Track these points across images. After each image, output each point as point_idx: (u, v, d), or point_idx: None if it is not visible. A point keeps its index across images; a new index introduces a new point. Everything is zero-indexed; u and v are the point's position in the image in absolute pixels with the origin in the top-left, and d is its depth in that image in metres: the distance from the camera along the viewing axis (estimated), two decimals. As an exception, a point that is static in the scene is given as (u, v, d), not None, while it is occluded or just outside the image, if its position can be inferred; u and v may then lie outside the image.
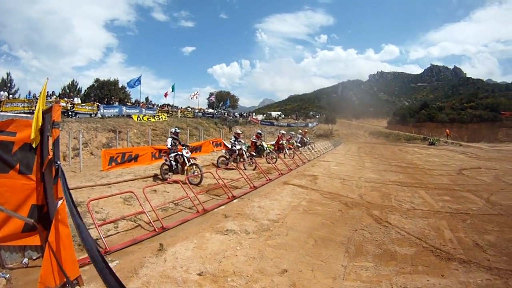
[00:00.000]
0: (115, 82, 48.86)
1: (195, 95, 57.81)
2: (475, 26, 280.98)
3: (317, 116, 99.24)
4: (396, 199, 10.18)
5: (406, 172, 16.97)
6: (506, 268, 5.32)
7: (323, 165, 18.25)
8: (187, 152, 12.89)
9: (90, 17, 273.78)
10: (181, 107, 53.85)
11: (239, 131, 18.94)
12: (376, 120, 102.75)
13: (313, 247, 5.94)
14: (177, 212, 8.18)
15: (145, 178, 12.74)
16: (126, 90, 48.08)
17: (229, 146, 17.83)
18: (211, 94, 73.73)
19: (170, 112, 45.46)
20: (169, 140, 13.45)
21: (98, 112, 31.97)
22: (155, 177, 13.14)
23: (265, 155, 18.86)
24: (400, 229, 7.14)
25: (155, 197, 9.42)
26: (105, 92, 45.61)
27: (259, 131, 20.93)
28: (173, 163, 12.85)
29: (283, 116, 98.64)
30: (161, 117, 39.26)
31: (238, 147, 17.32)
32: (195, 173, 12.33)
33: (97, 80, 48.11)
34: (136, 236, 6.26)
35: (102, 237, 5.64)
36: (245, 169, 14.74)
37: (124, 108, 36.14)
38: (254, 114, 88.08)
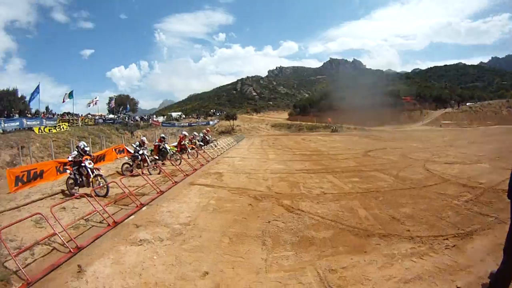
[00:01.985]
0: (14, 92, 45.44)
1: (93, 101, 55.50)
2: (375, 23, 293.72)
3: (218, 114, 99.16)
4: (305, 187, 10.46)
5: (312, 159, 17.58)
6: (427, 235, 5.76)
7: (227, 162, 18.32)
8: (89, 163, 12.12)
9: None
10: (82, 115, 51.54)
11: (145, 139, 18.40)
12: (277, 113, 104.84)
13: (229, 245, 5.97)
14: (89, 228, 7.74)
15: (52, 195, 11.98)
16: (26, 100, 44.93)
17: (132, 151, 17.66)
18: (110, 99, 72.02)
19: (71, 120, 42.98)
20: (74, 153, 12.47)
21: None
22: (62, 193, 12.43)
23: (169, 158, 18.52)
24: (314, 214, 7.38)
25: (65, 215, 8.84)
26: (5, 104, 42.37)
27: (162, 135, 20.41)
28: (77, 176, 12.03)
29: (183, 116, 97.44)
30: (62, 127, 37.18)
31: (140, 152, 16.88)
32: (100, 184, 11.63)
33: (-7, 91, 44.42)
34: (53, 261, 5.84)
35: (22, 269, 5.26)
36: (150, 174, 14.42)
37: (25, 121, 33.52)
38: (155, 116, 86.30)
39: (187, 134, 24.15)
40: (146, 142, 18.18)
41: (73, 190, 12.09)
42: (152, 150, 19.16)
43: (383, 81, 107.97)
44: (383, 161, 14.97)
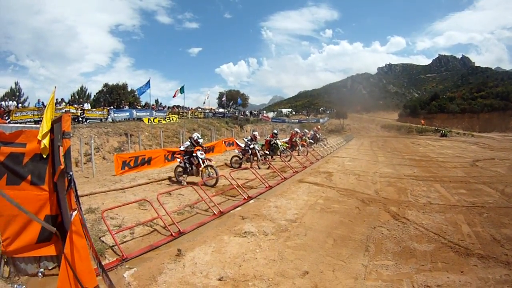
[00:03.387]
0: (124, 86, 48.84)
1: (206, 97, 57.90)
2: (480, 13, 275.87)
3: (328, 112, 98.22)
4: (412, 194, 10.12)
5: (420, 165, 16.93)
6: None
7: (337, 161, 18.12)
8: (201, 154, 12.52)
9: (95, 24, 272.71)
10: (192, 108, 53.40)
11: (256, 134, 18.54)
12: (387, 113, 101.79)
13: (332, 246, 5.90)
14: (193, 215, 8.12)
15: (159, 181, 12.66)
16: (136, 93, 47.84)
17: (242, 146, 18.02)
18: (221, 94, 73.82)
19: (181, 113, 45.19)
20: (186, 143, 13.11)
21: (109, 116, 31.70)
22: (169, 179, 13.04)
23: (279, 154, 18.63)
24: (418, 225, 7.11)
25: (170, 200, 9.38)
26: (115, 96, 45.54)
27: (275, 131, 20.64)
28: (187, 165, 12.52)
29: (293, 112, 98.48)
30: (172, 119, 39.04)
31: (251, 146, 17.02)
32: (211, 175, 11.94)
33: (106, 85, 48.05)
34: (153, 241, 6.20)
35: (118, 244, 5.58)
36: (259, 168, 14.66)
37: (134, 112, 35.81)
38: (264, 112, 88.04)
39: (298, 131, 24.34)
40: (258, 136, 18.34)
41: (181, 178, 12.63)
42: (262, 145, 19.46)
43: (492, 80, 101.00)
44: (490, 173, 14.02)
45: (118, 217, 7.68)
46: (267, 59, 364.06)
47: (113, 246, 5.82)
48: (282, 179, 12.67)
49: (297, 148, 21.54)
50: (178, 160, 13.14)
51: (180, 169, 12.91)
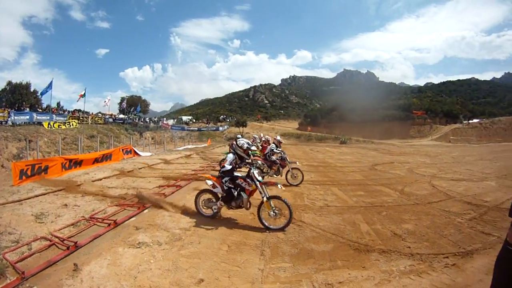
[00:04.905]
0: (27, 86, 46.93)
1: (107, 102, 56.64)
2: (389, 35, 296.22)
3: (228, 120, 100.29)
4: (308, 198, 10.43)
5: (318, 171, 17.60)
6: (428, 252, 5.69)
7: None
8: (258, 173, 7.79)
9: (9, 12, 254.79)
10: (92, 113, 52.30)
11: (280, 139, 15.28)
12: (288, 122, 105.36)
13: (227, 253, 5.94)
14: (89, 227, 7.68)
15: (55, 191, 11.97)
16: (38, 94, 45.75)
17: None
18: (122, 100, 73.87)
19: (81, 118, 43.93)
20: (230, 156, 8.11)
21: (9, 119, 30.03)
22: (65, 189, 12.34)
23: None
24: (315, 227, 7.36)
25: (66, 212, 8.87)
26: (17, 97, 43.78)
27: (265, 137, 17.49)
28: (233, 190, 7.80)
29: (194, 120, 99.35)
30: (72, 124, 37.73)
31: (277, 156, 13.19)
32: (276, 213, 7.34)
33: (9, 83, 46.10)
34: (50, 257, 5.83)
35: (17, 262, 5.42)
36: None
37: (35, 115, 34.32)
38: (165, 119, 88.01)
39: (257, 136, 22.92)
40: (282, 141, 15.24)
41: (204, 210, 8.42)
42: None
43: (395, 94, 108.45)
44: (389, 175, 14.97)
45: (16, 232, 7.21)
46: (172, 65, 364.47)
47: (13, 264, 5.46)
48: (177, 187, 12.50)
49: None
50: (209, 182, 8.19)
51: (208, 195, 8.38)
